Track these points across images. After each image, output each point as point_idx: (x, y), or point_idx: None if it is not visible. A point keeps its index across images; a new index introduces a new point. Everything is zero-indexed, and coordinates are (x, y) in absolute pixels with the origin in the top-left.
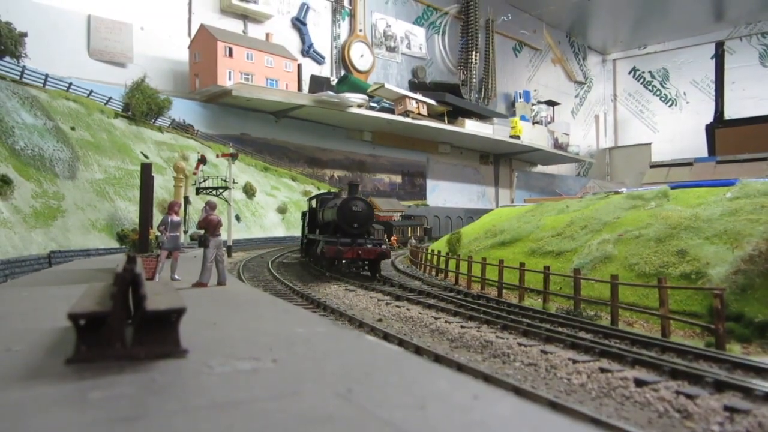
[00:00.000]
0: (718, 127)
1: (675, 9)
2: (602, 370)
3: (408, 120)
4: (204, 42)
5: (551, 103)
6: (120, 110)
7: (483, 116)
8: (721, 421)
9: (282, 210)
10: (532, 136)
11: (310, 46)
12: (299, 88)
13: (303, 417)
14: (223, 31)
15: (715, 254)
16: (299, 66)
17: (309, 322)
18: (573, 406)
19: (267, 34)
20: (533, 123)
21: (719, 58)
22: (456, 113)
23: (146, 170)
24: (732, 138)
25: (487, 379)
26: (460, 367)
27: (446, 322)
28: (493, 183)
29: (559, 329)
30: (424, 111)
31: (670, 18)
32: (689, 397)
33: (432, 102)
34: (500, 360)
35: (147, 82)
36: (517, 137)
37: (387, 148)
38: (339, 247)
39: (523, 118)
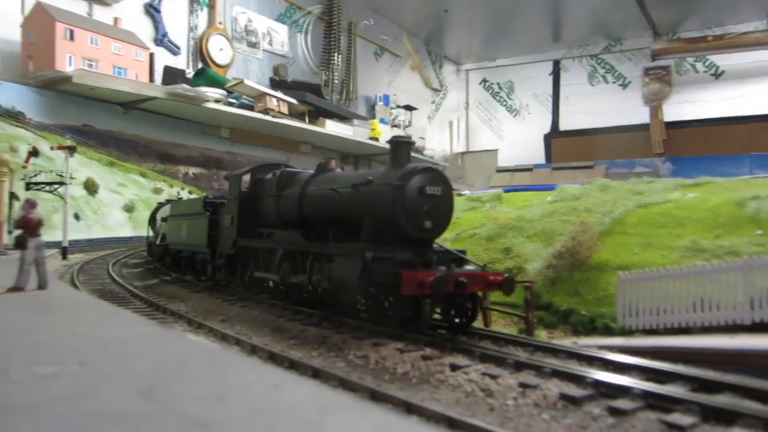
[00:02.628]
0: (554, 137)
1: (520, 28)
2: (424, 358)
3: (268, 118)
4: (40, 21)
5: (409, 108)
6: None
7: (344, 117)
8: (515, 396)
9: (129, 208)
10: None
11: (165, 35)
12: (151, 79)
13: (95, 415)
14: (63, 12)
15: (533, 251)
16: (151, 55)
17: (132, 324)
18: (392, 393)
19: (116, 19)
20: (392, 126)
21: (556, 75)
22: (317, 113)
23: None
24: (565, 147)
25: (317, 373)
26: (293, 364)
27: (288, 320)
28: None
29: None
30: (284, 109)
31: (516, 35)
32: (493, 377)
33: (293, 101)
34: (334, 354)
35: None
36: (376, 139)
37: (246, 146)
38: (441, 276)
39: (382, 121)
